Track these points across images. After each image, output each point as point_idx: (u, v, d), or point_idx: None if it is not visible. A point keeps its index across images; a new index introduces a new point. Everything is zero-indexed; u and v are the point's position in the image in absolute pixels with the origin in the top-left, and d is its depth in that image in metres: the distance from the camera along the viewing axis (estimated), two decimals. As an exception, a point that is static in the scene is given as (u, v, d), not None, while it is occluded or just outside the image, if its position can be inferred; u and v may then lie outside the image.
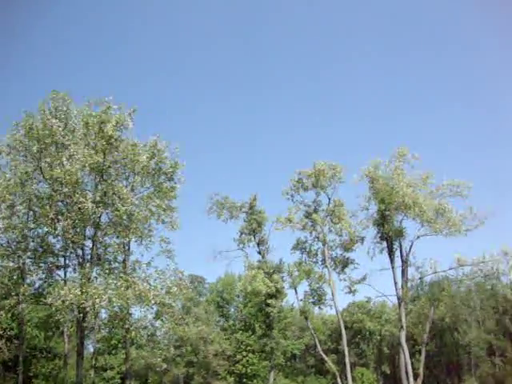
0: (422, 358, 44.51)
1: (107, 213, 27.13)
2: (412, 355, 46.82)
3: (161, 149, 28.22)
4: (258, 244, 47.87)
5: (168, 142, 28.86)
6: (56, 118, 26.31)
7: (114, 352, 59.69)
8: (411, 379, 39.17)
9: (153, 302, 24.48)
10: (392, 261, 41.96)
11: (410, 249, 42.53)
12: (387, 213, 41.09)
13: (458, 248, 66.34)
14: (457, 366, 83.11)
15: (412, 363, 41.20)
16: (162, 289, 25.43)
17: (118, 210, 25.64)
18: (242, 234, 47.42)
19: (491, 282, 69.90)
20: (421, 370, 42.88)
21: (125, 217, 26.16)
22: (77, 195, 25.15)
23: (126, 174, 28.61)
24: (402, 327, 40.92)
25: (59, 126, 26.01)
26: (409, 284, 43.03)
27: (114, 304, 23.21)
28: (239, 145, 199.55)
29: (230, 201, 47.43)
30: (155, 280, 26.04)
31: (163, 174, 28.75)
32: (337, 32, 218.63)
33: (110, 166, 27.18)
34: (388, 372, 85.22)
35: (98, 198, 25.83)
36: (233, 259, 48.43)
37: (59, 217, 25.74)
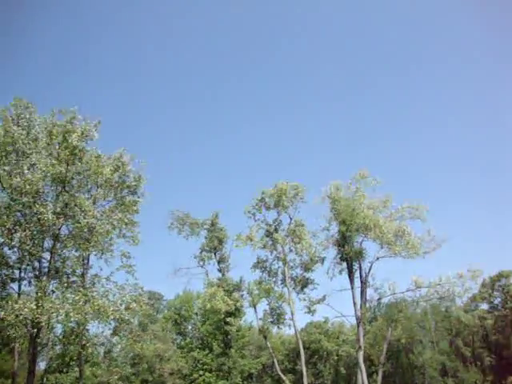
0: (379, 378, 44.94)
1: (67, 225, 26.47)
2: (369, 375, 47.14)
3: (125, 162, 27.84)
4: (219, 262, 47.77)
5: (133, 156, 28.58)
6: (18, 126, 25.62)
7: (65, 370, 57.72)
8: (368, 400, 39.45)
9: (111, 317, 23.91)
10: (351, 281, 42.39)
11: (369, 270, 43.15)
12: (348, 234, 41.55)
13: (415, 270, 67.80)
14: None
15: (368, 383, 41.46)
16: (121, 304, 24.87)
17: (79, 223, 25.05)
18: (202, 251, 47.17)
19: (446, 304, 71.82)
20: (378, 391, 43.33)
21: (86, 230, 25.58)
22: (37, 206, 24.47)
23: (89, 186, 28.09)
24: (360, 347, 41.19)
25: (21, 134, 25.33)
26: (367, 305, 43.46)
27: (72, 319, 22.52)
28: (204, 163, 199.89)
29: (191, 217, 47.13)
30: (114, 295, 25.46)
31: (126, 187, 28.38)
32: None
33: (72, 177, 26.63)
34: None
35: (58, 210, 25.19)
36: (193, 276, 48.00)
37: (17, 227, 24.87)
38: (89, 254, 28.85)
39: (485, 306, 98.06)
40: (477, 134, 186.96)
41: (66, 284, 26.24)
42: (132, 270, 28.23)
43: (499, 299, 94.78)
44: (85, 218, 25.22)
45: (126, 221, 28.07)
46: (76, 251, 27.64)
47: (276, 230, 44.62)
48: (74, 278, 28.05)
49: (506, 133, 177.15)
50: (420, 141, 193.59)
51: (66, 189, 26.48)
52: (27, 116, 26.89)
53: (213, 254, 47.50)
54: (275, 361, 46.10)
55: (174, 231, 46.91)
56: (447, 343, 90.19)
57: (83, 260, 28.99)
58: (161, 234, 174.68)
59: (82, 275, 28.80)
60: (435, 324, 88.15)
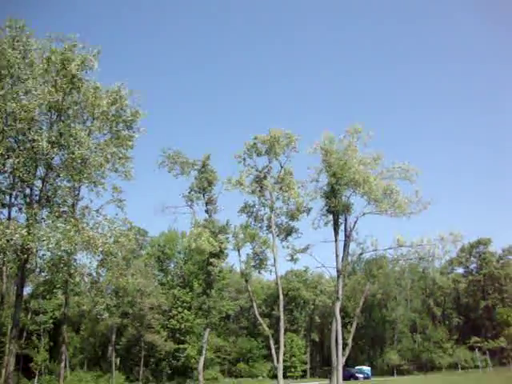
0: (353, 329, 46.32)
1: (61, 154, 26.22)
2: (343, 326, 48.66)
3: (123, 95, 27.38)
4: (207, 203, 47.92)
5: (131, 90, 28.07)
6: (13, 49, 24.82)
7: (49, 297, 58.84)
8: (340, 348, 40.78)
9: (100, 249, 24.16)
10: (336, 234, 42.88)
11: (354, 224, 43.64)
12: (337, 187, 41.68)
13: (399, 229, 69.28)
14: (381, 340, 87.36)
15: (342, 333, 42.81)
16: (110, 237, 25.08)
17: (73, 153, 24.80)
18: (191, 191, 47.23)
19: (424, 264, 73.57)
20: (350, 341, 44.69)
21: (79, 161, 25.34)
22: (31, 133, 24.17)
23: (85, 117, 27.64)
24: (337, 298, 42.18)
25: (17, 58, 24.58)
26: (349, 258, 44.29)
27: (62, 248, 22.73)
28: (200, 105, 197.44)
29: (182, 156, 46.96)
30: (104, 228, 25.62)
31: (123, 121, 27.98)
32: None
33: (68, 107, 26.16)
34: (317, 339, 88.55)
35: (53, 139, 24.85)
36: (180, 215, 48.49)
37: (10, 153, 24.61)
38: (80, 186, 28.77)
39: (460, 270, 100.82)
40: (474, 103, 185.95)
41: (56, 213, 26.22)
42: (122, 205, 28.29)
43: (475, 265, 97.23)
44: (79, 149, 24.91)
45: (120, 155, 27.89)
46: (68, 181, 27.50)
47: (265, 177, 44.63)
48: (65, 208, 27.99)
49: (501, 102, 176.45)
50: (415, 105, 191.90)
51: (62, 118, 26.08)
52: (23, 39, 25.74)
53: (201, 195, 47.60)
54: (254, 304, 47.17)
55: (165, 169, 46.91)
56: (420, 302, 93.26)
57: (74, 191, 28.95)
58: (151, 171, 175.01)
59: (73, 206, 28.81)
60: (411, 283, 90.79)
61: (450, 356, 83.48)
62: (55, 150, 24.77)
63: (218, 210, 48.38)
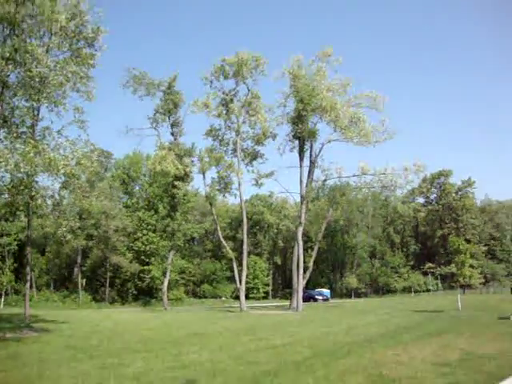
0: (314, 253, 47.91)
1: (18, 72, 25.00)
2: (305, 250, 50.09)
3: (83, 10, 25.94)
4: (172, 125, 47.28)
5: (92, 5, 26.57)
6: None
7: (12, 219, 58.29)
8: (301, 271, 42.22)
9: (62, 171, 23.62)
10: (301, 160, 43.26)
11: (319, 151, 44.04)
12: (304, 113, 41.56)
13: (364, 157, 70.45)
14: (341, 264, 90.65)
15: (303, 257, 44.17)
16: (72, 159, 24.52)
17: (31, 71, 23.55)
18: (156, 112, 46.37)
19: (386, 193, 75.34)
20: (310, 264, 46.36)
21: (37, 79, 24.18)
22: (-17, 49, 22.83)
23: (42, 32, 26.15)
24: (300, 223, 43.17)
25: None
26: (313, 184, 44.98)
27: (21, 169, 22.19)
28: (167, 25, 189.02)
29: (148, 77, 45.68)
30: (65, 149, 24.94)
31: (83, 38, 26.60)
32: None
33: (23, 20, 24.58)
34: (279, 263, 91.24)
35: (7, 55, 23.57)
36: (144, 137, 47.90)
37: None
38: (40, 106, 27.62)
39: (421, 200, 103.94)
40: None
41: (14, 134, 25.32)
42: (84, 126, 27.35)
43: (435, 195, 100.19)
44: (36, 67, 23.72)
45: (82, 74, 26.73)
46: (26, 101, 26.34)
47: (232, 100, 44.14)
48: (24, 129, 26.93)
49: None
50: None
51: (16, 32, 24.63)
52: None
53: (167, 117, 46.82)
54: (218, 227, 47.97)
55: (129, 90, 45.71)
56: (380, 229, 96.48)
57: (33, 111, 27.84)
58: (115, 92, 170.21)
59: (32, 127, 27.75)
60: (373, 210, 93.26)
61: (405, 280, 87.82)
62: (10, 67, 23.50)
63: (183, 133, 47.92)
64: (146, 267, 62.22)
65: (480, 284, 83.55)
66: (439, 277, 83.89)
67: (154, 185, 63.21)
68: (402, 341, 15.15)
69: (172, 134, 47.49)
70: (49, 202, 26.83)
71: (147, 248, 62.58)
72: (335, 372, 10.00)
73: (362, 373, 9.83)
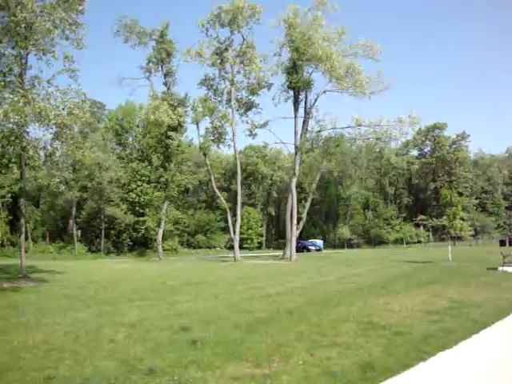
0: (308, 204, 48.28)
1: (2, 17, 24.14)
2: (298, 201, 50.40)
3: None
4: (165, 75, 46.57)
5: None
6: None
7: (4, 172, 57.75)
8: (294, 221, 42.66)
9: (53, 121, 23.19)
10: (295, 110, 43.01)
11: (314, 102, 43.79)
12: (299, 62, 41.05)
13: (359, 109, 69.71)
14: (335, 215, 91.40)
15: (297, 208, 44.53)
16: (63, 109, 24.06)
17: (16, 16, 22.88)
18: (149, 62, 45.58)
19: (380, 145, 75.27)
20: (304, 215, 46.79)
21: (23, 25, 23.48)
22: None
23: (26, -26, 25.16)
24: (294, 174, 43.30)
25: None
26: (307, 135, 44.87)
27: (11, 120, 21.78)
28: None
29: (139, 25, 44.66)
30: (56, 99, 24.43)
31: (70, -18, 25.70)
32: None
33: (4, -39, 23.68)
34: (273, 213, 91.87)
35: (-11, -2, 22.73)
36: (137, 87, 47.30)
37: None
38: (27, 54, 26.90)
39: (415, 153, 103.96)
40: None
41: (2, 83, 24.73)
42: (75, 75, 26.65)
43: (429, 148, 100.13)
44: (22, 12, 22.96)
45: (70, 21, 25.91)
46: (13, 48, 25.65)
47: (227, 50, 43.28)
48: (12, 78, 26.35)
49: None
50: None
51: (-3, -26, 23.69)
52: None
53: (160, 67, 46.04)
54: (212, 178, 47.95)
55: (121, 39, 44.74)
56: (374, 181, 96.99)
57: (21, 59, 27.11)
58: (107, 41, 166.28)
59: (21, 76, 27.08)
60: (367, 162, 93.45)
61: (397, 232, 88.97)
62: (-6, 12, 22.75)
63: (176, 83, 47.33)
64: (140, 218, 62.45)
65: (470, 236, 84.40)
66: (431, 229, 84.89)
67: (148, 135, 62.55)
68: (392, 290, 15.45)
69: (165, 83, 46.84)
70: (41, 153, 26.51)
71: (141, 199, 62.62)
72: (327, 320, 10.23)
73: (353, 320, 10.06)
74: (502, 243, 62.20)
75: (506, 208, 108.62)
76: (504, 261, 24.08)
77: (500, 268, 23.47)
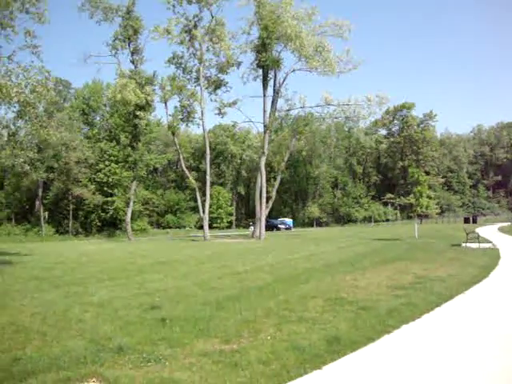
0: (277, 183, 48.47)
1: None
2: (267, 180, 50.55)
3: None
4: (132, 53, 45.70)
5: None
6: None
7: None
8: (264, 200, 42.84)
9: (15, 99, 22.55)
10: (264, 89, 42.91)
11: (283, 80, 43.71)
12: (268, 41, 40.82)
13: (328, 88, 70.17)
14: (304, 194, 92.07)
15: (266, 187, 44.68)
16: (26, 86, 23.36)
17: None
18: (115, 39, 44.56)
19: (349, 124, 75.89)
20: (273, 194, 46.95)
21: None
22: None
23: None
24: (263, 153, 43.32)
25: None
26: (276, 114, 44.84)
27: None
28: None
29: (105, 0, 43.51)
30: (18, 76, 23.70)
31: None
32: None
33: None
34: (243, 193, 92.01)
35: None
36: (104, 65, 46.30)
37: None
38: (-16, 27, 25.92)
39: (383, 132, 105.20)
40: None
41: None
42: (37, 52, 25.84)
43: (397, 127, 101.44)
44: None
45: (30, -6, 25.04)
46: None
47: (195, 27, 42.64)
48: (-31, 52, 25.44)
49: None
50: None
51: None
52: None
53: (126, 44, 45.08)
54: (181, 157, 47.53)
55: (86, 14, 43.58)
56: (343, 160, 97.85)
57: (-23, 35, 26.12)
58: (72, 17, 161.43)
59: (-22, 47, 26.21)
60: (336, 141, 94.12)
61: (365, 210, 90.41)
62: None
63: (144, 61, 46.57)
64: (109, 198, 61.71)
65: (436, 214, 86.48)
66: (398, 207, 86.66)
67: (116, 115, 61.47)
68: (360, 267, 15.75)
69: (132, 61, 45.98)
70: (4, 132, 25.85)
71: (110, 179, 61.79)
72: (295, 296, 10.38)
73: (322, 296, 10.24)
74: (466, 221, 63.91)
75: (471, 187, 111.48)
76: (467, 237, 24.77)
77: (463, 244, 24.17)
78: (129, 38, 44.71)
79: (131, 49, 45.58)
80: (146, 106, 45.05)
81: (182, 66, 44.22)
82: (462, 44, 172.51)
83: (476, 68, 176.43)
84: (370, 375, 5.41)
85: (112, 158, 62.21)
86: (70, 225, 61.60)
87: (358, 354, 6.17)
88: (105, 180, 61.68)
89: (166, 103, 44.03)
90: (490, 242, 25.88)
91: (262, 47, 41.29)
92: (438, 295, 10.14)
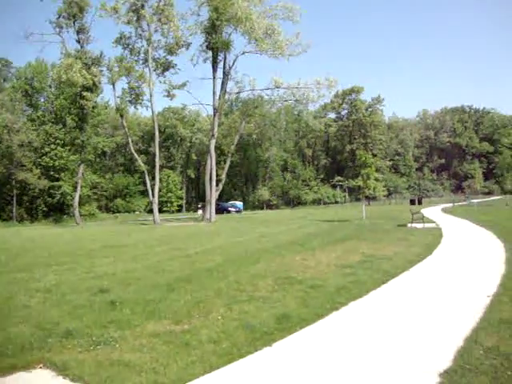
0: (227, 166, 48.39)
1: None
2: (218, 163, 50.39)
3: None
4: (78, 32, 44.23)
5: None
6: None
7: None
8: (214, 183, 42.74)
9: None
10: (214, 71, 42.54)
11: (233, 63, 43.39)
12: (218, 23, 40.37)
13: (278, 72, 70.01)
14: (254, 177, 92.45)
15: (216, 170, 44.58)
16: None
17: None
18: (60, 16, 42.97)
19: (299, 107, 76.28)
20: (223, 177, 46.89)
21: None
22: None
23: None
24: (213, 136, 43.09)
25: None
26: (226, 96, 44.64)
27: None
28: None
29: (47, -25, 41.90)
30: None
31: None
32: None
33: None
34: (193, 176, 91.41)
35: None
36: (48, 44, 44.72)
37: None
38: None
39: (332, 116, 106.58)
40: None
41: None
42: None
43: (346, 111, 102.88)
44: None
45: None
46: None
47: (143, 7, 41.58)
48: None
49: None
50: None
51: None
52: None
53: (72, 22, 43.58)
54: (130, 140, 46.63)
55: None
56: (293, 143, 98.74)
57: None
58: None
59: None
60: (286, 125, 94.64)
61: (315, 193, 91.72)
62: None
63: (90, 40, 45.19)
64: (55, 183, 59.89)
65: (384, 196, 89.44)
66: (347, 189, 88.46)
67: (61, 96, 59.47)
68: (309, 247, 16.01)
69: (78, 41, 44.55)
70: None
71: (56, 163, 59.86)
72: (246, 276, 10.47)
73: (271, 276, 10.37)
74: (412, 202, 65.82)
75: (417, 169, 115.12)
76: (413, 218, 25.58)
77: (409, 225, 24.95)
78: (74, 16, 43.23)
79: (77, 27, 44.13)
80: (93, 88, 43.85)
81: (130, 46, 43.18)
82: (409, 31, 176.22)
83: (422, 54, 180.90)
84: (318, 350, 5.55)
85: (58, 141, 60.24)
86: (14, 211, 59.47)
87: (306, 331, 6.31)
88: (51, 164, 59.72)
89: (113, 85, 43.00)
90: (434, 222, 26.82)
91: (211, 29, 40.80)
92: (384, 273, 10.46)
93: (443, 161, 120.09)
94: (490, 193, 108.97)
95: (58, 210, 62.60)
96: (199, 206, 62.70)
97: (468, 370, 4.77)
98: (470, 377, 4.59)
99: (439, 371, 4.76)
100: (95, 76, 42.45)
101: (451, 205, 58.21)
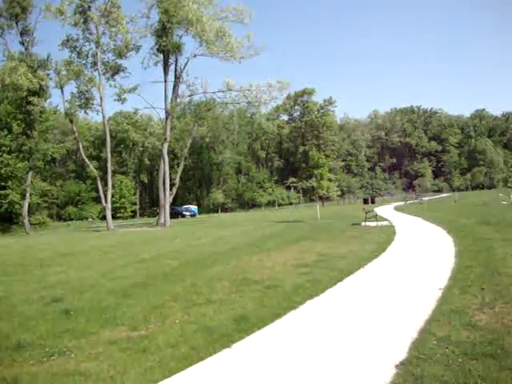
0: (180, 169, 48.03)
1: None
2: (171, 167, 49.88)
3: None
4: (22, 33, 42.88)
5: None
6: None
7: None
8: (167, 188, 42.34)
9: None
10: (166, 74, 42.25)
11: (185, 66, 43.22)
12: (168, 25, 40.12)
13: (230, 75, 70.26)
14: (208, 181, 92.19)
15: (170, 174, 44.18)
16: None
17: None
18: (0, 16, 41.53)
19: (252, 110, 76.69)
20: (177, 181, 46.53)
21: None
22: None
23: None
24: (165, 139, 42.71)
25: None
26: (178, 100, 44.37)
27: None
28: None
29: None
30: None
31: None
32: None
33: None
34: (146, 181, 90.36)
35: None
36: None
37: None
38: None
39: (285, 117, 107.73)
40: None
41: None
42: None
43: (298, 113, 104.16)
44: None
45: None
46: None
47: (90, 8, 40.84)
48: None
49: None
50: None
51: None
52: None
53: (14, 23, 42.26)
54: (80, 146, 45.69)
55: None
56: (246, 146, 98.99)
57: None
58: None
59: None
60: (239, 127, 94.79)
61: (269, 195, 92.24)
62: None
63: (36, 43, 43.91)
64: (2, 191, 57.70)
65: (337, 196, 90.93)
66: (301, 190, 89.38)
67: (5, 101, 57.40)
68: (265, 248, 16.08)
69: (22, 43, 43.26)
70: None
71: (2, 171, 57.65)
72: (202, 279, 10.42)
73: (228, 278, 10.35)
74: (365, 201, 67.20)
75: (369, 169, 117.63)
76: (366, 217, 26.09)
77: (363, 223, 25.44)
78: (16, 17, 41.88)
79: (20, 29, 42.81)
80: (40, 92, 42.66)
81: (78, 49, 42.27)
82: (361, 32, 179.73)
83: (374, 56, 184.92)
84: (277, 349, 5.58)
85: (4, 148, 58.04)
86: (-43, 222, 56.97)
87: (265, 331, 6.32)
88: (-3, 172, 57.47)
89: (62, 89, 42.06)
90: (387, 220, 27.44)
91: (162, 31, 40.48)
92: (339, 271, 10.60)
93: (394, 160, 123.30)
94: (439, 190, 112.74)
95: (5, 220, 60.26)
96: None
97: (422, 359, 4.89)
98: (425, 366, 4.71)
99: (395, 362, 4.86)
100: (42, 80, 41.30)
101: (403, 203, 59.69)
